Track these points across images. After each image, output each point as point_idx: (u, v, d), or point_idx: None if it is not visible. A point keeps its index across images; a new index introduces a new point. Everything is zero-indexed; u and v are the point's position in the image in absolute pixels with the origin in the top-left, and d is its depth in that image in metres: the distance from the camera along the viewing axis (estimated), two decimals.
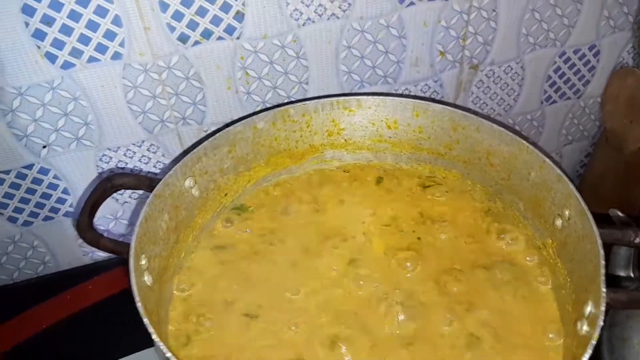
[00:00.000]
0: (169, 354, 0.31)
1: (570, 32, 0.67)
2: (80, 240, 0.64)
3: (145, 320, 0.33)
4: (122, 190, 0.62)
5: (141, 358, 0.58)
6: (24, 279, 0.67)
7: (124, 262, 0.66)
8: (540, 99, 0.73)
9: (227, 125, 0.50)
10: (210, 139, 0.48)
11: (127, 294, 0.63)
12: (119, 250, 0.41)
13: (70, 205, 0.62)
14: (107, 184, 0.45)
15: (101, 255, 0.68)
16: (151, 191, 0.44)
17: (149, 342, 0.57)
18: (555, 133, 0.78)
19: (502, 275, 0.47)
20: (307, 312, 0.43)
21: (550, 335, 0.41)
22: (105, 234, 0.53)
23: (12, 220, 0.61)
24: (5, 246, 0.63)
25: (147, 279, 0.41)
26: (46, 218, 0.62)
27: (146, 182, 0.45)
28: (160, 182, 0.44)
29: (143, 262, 0.40)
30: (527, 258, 0.47)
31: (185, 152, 0.50)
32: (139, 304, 0.35)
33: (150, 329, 0.33)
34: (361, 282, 0.45)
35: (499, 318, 0.43)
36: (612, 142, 0.77)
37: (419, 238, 0.49)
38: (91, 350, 0.59)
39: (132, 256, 0.38)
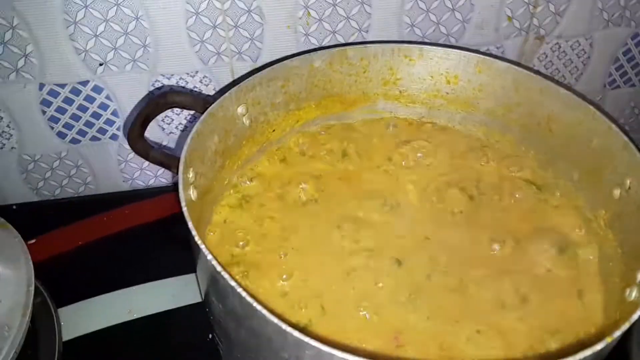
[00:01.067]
0: (219, 268, 0.30)
1: None
2: (123, 166, 0.66)
3: (190, 225, 0.33)
4: (170, 120, 0.63)
5: (172, 283, 0.59)
6: (65, 197, 0.68)
7: (163, 192, 0.68)
8: (604, 82, 0.70)
9: (284, 59, 0.50)
10: (266, 70, 0.47)
11: (163, 222, 0.65)
12: (168, 163, 0.42)
13: (118, 129, 0.63)
14: (161, 99, 0.45)
15: (140, 183, 0.69)
16: (203, 113, 0.44)
17: (180, 270, 0.59)
18: None
19: (545, 245, 0.45)
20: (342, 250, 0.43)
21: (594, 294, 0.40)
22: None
23: (61, 135, 0.62)
24: (52, 161, 0.65)
25: (193, 193, 0.41)
26: (93, 138, 0.63)
27: (201, 103, 0.45)
28: (215, 102, 0.43)
29: (190, 175, 0.40)
30: (576, 230, 0.46)
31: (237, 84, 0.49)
32: (184, 209, 0.35)
33: (194, 233, 0.33)
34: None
35: (539, 283, 0.42)
36: None
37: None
38: (122, 272, 0.60)
39: (183, 164, 0.38)
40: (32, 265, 0.50)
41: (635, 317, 0.30)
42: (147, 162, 0.66)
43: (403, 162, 0.50)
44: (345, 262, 0.42)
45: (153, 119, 0.45)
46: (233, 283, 0.30)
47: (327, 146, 0.53)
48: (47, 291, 0.56)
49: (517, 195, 0.48)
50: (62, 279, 0.58)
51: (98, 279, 0.60)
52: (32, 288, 0.48)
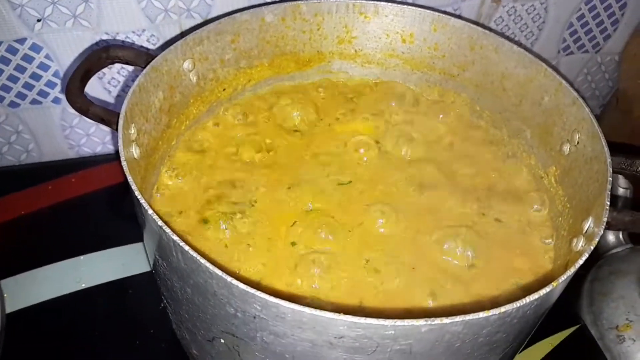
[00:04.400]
0: (160, 223, 0.29)
1: None
2: (68, 132, 0.63)
3: (130, 180, 0.31)
4: (116, 82, 0.60)
5: (121, 252, 0.56)
6: (6, 165, 0.65)
7: (111, 160, 0.65)
8: (558, 48, 0.70)
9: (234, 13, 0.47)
10: (214, 23, 0.45)
11: (110, 191, 0.63)
12: (108, 120, 0.39)
13: (60, 91, 0.60)
14: (102, 53, 0.42)
15: (87, 150, 0.66)
16: None
17: (130, 239, 0.57)
18: None
19: (497, 202, 0.45)
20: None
21: (544, 248, 0.40)
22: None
23: None
24: None
25: (135, 151, 0.39)
26: (34, 102, 0.60)
27: (144, 57, 0.43)
28: (159, 56, 0.41)
29: (132, 131, 0.38)
30: (526, 187, 0.46)
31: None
32: (124, 163, 0.33)
33: (134, 187, 0.31)
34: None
35: (492, 236, 0.42)
36: (622, 105, 0.75)
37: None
38: (70, 242, 0.57)
39: (122, 119, 0.35)
40: None
41: (580, 262, 0.31)
42: (93, 128, 0.64)
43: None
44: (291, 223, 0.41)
45: (94, 74, 0.42)
46: (175, 237, 0.29)
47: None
48: None
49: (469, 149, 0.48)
50: (3, 250, 0.56)
51: (43, 249, 0.57)
52: None
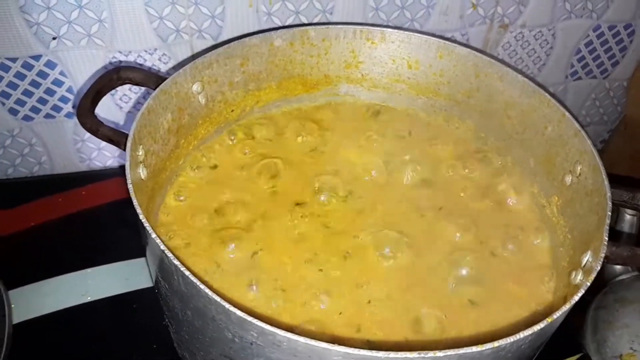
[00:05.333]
0: (162, 247, 0.30)
1: (609, 6, 0.64)
2: (79, 145, 0.64)
3: (135, 202, 0.32)
4: (127, 99, 0.61)
5: (128, 266, 0.57)
6: (18, 177, 0.66)
7: (121, 174, 0.66)
8: (566, 73, 0.71)
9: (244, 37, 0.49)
10: (223, 47, 0.46)
11: (119, 205, 0.64)
12: (117, 140, 0.40)
13: (73, 106, 0.61)
14: (114, 74, 0.43)
15: (97, 164, 0.67)
16: None
17: (138, 253, 0.58)
18: (575, 113, 0.76)
19: (498, 229, 0.46)
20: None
21: (545, 279, 0.40)
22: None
23: (12, 112, 0.60)
24: (3, 139, 0.62)
25: (142, 171, 0.39)
26: (47, 116, 0.61)
27: (154, 79, 0.44)
28: (168, 79, 0.42)
29: (140, 152, 0.39)
30: (528, 215, 0.46)
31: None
32: (130, 187, 0.34)
33: (139, 210, 0.32)
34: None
35: (492, 264, 0.42)
36: (630, 130, 0.75)
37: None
38: (77, 254, 0.58)
39: (131, 141, 0.36)
40: None
41: (576, 298, 0.31)
42: (104, 143, 0.65)
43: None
44: (297, 241, 0.42)
45: (105, 94, 0.44)
46: (177, 262, 0.29)
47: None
48: None
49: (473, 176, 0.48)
50: (12, 261, 0.57)
51: (52, 261, 0.58)
52: None
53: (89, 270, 0.57)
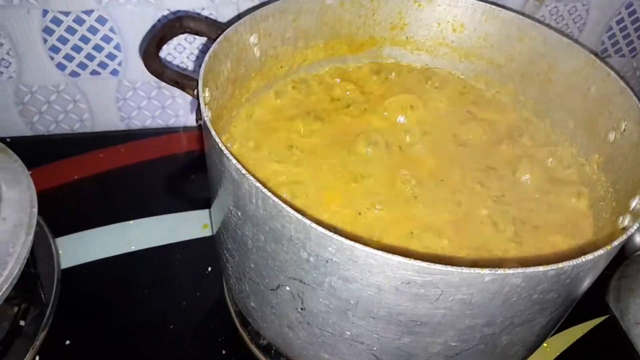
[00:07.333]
0: (243, 170, 0.31)
1: None
2: (121, 104, 0.66)
3: (213, 133, 0.34)
4: (179, 61, 0.63)
5: (168, 219, 0.59)
6: (60, 133, 0.68)
7: (159, 134, 0.68)
8: (596, 50, 0.72)
9: None
10: (279, 1, 0.48)
11: (156, 163, 0.65)
12: (183, 83, 0.42)
13: (119, 64, 0.63)
14: (176, 22, 0.45)
15: (136, 123, 0.69)
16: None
17: (174, 208, 0.60)
18: None
19: (537, 185, 0.47)
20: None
21: (586, 227, 0.42)
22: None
23: (60, 67, 0.62)
24: (49, 94, 0.64)
25: (208, 113, 0.41)
26: (93, 72, 0.63)
27: (214, 29, 0.45)
28: (231, 27, 0.44)
29: (207, 94, 0.40)
30: (566, 173, 0.48)
31: None
32: (206, 119, 0.35)
33: (217, 140, 0.33)
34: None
35: (532, 220, 0.44)
36: None
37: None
38: (118, 207, 0.60)
39: (202, 80, 0.38)
40: (34, 187, 0.50)
41: (631, 231, 0.33)
42: (145, 102, 0.67)
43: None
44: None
45: (167, 41, 0.45)
46: (258, 184, 0.31)
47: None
48: (44, 220, 0.56)
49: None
50: (58, 211, 0.59)
51: (95, 213, 0.60)
52: (36, 209, 0.48)
53: (131, 222, 0.59)
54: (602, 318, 0.56)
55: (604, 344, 0.55)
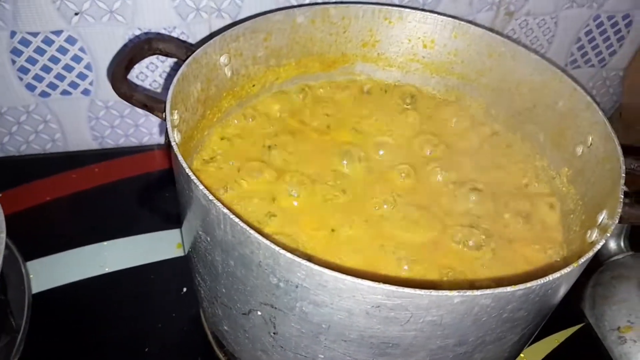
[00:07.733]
0: (210, 196, 0.31)
1: None
2: (93, 123, 0.65)
3: (180, 158, 0.34)
4: (144, 77, 0.62)
5: (143, 240, 0.58)
6: (31, 153, 0.67)
7: (133, 152, 0.67)
8: (566, 61, 0.73)
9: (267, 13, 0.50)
10: (250, 21, 0.48)
11: (130, 182, 0.65)
12: (151, 106, 0.41)
13: (90, 83, 0.62)
14: (145, 45, 0.44)
15: (110, 142, 0.68)
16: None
17: (149, 228, 0.59)
18: None
19: (510, 199, 0.48)
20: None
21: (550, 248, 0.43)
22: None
23: (30, 88, 0.61)
24: (19, 115, 0.63)
25: (177, 136, 0.41)
26: (64, 92, 0.62)
27: (184, 50, 0.45)
28: (200, 48, 0.44)
29: (175, 117, 0.40)
30: (535, 184, 0.49)
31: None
32: (174, 144, 0.35)
33: (185, 165, 0.33)
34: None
35: (504, 235, 0.44)
36: (625, 119, 0.78)
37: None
38: (92, 228, 0.59)
39: (169, 103, 0.38)
40: (1, 211, 0.49)
41: (597, 247, 0.33)
42: (118, 121, 0.66)
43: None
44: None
45: (136, 63, 0.45)
46: (225, 210, 0.31)
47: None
48: (14, 244, 0.55)
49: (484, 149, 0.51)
50: (29, 234, 0.57)
51: (68, 234, 0.59)
52: (4, 234, 0.47)
53: (105, 243, 0.58)
54: (578, 326, 0.56)
55: (581, 352, 0.55)
